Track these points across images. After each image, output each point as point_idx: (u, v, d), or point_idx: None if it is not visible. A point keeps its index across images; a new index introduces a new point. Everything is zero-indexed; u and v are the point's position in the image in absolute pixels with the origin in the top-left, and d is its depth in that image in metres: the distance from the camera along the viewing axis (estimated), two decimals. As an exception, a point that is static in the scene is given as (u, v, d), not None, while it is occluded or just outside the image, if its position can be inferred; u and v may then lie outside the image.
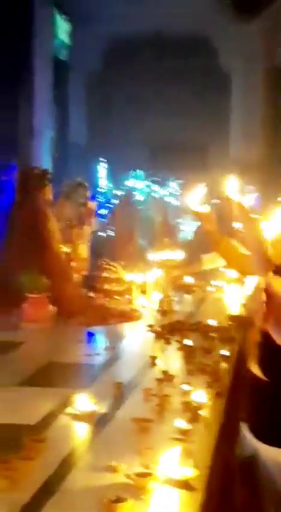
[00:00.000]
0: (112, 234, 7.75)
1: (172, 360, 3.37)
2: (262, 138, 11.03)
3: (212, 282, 6.00)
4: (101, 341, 4.04)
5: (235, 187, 3.15)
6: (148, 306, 4.98)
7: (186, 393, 2.60)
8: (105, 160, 11.20)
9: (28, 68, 9.95)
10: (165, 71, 10.93)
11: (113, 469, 1.87)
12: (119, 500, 1.66)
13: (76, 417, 2.36)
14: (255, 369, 2.25)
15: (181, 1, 9.94)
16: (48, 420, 2.37)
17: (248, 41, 10.86)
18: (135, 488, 1.74)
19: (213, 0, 9.11)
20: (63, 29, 11.69)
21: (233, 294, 5.54)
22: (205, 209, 3.78)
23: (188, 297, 5.57)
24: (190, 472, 1.83)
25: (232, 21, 9.44)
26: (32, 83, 10.12)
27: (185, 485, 1.77)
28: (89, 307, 4.63)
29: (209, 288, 5.89)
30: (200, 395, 2.53)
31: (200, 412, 2.38)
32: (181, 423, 2.23)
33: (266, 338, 2.18)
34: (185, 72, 10.93)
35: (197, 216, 3.84)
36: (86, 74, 12.10)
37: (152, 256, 5.72)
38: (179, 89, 10.96)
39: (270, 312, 1.15)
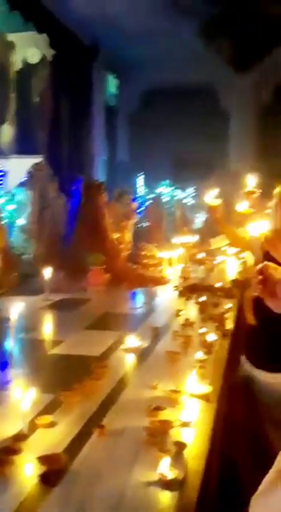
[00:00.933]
0: (147, 225, 7.67)
1: (191, 311, 3.30)
2: (253, 156, 10.83)
3: (218, 257, 5.92)
4: (141, 298, 3.99)
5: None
6: (173, 274, 4.94)
7: (202, 334, 2.56)
8: (142, 174, 11.11)
9: (89, 112, 9.95)
10: (183, 109, 10.74)
11: (153, 387, 1.87)
12: (159, 408, 1.66)
13: (127, 351, 2.36)
14: (250, 318, 2.21)
15: (193, 59, 9.72)
16: (108, 353, 2.36)
17: (243, 87, 10.64)
18: (170, 400, 1.74)
19: (218, 58, 8.87)
20: (112, 83, 11.62)
21: (232, 265, 5.46)
22: (216, 203, 3.71)
23: (201, 267, 5.50)
24: (207, 388, 1.81)
25: (232, 74, 9.22)
26: (92, 123, 10.10)
27: (204, 398, 1.76)
28: (132, 275, 4.61)
29: (215, 261, 5.82)
30: (212, 336, 2.51)
31: (212, 347, 2.37)
32: (199, 355, 2.21)
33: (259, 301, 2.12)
34: (197, 109, 10.72)
35: (211, 208, 3.73)
36: (128, 114, 12.03)
37: (175, 239, 5.66)
38: (192, 121, 10.76)
39: (266, 289, 1.11)
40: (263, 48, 8.53)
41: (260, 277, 1.12)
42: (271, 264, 1.13)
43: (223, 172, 10.22)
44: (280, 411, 2.06)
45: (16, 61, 8.18)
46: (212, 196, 3.70)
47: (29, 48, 8.23)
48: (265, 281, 1.11)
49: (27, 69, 8.35)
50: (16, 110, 8.08)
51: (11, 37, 8.07)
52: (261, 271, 1.12)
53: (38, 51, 8.26)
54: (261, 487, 1.13)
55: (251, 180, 3.14)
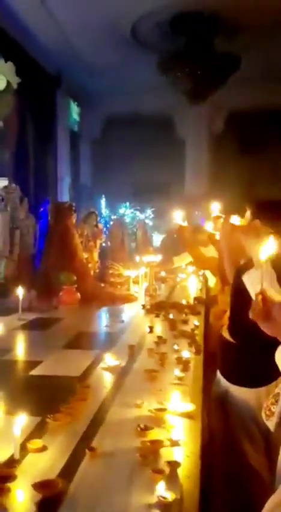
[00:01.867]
0: (109, 245, 7.62)
1: (161, 328, 3.25)
2: (205, 180, 11.05)
3: (179, 275, 5.96)
4: (112, 316, 3.88)
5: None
6: (139, 291, 4.91)
7: (177, 351, 2.54)
8: (103, 196, 11.11)
9: (54, 137, 9.92)
10: (142, 136, 10.84)
11: (138, 406, 1.82)
12: (147, 428, 1.61)
13: (107, 369, 2.29)
14: (226, 334, 2.20)
15: (150, 89, 9.87)
16: (88, 372, 2.28)
17: (197, 116, 10.88)
18: (156, 419, 1.69)
19: (174, 90, 9.03)
20: (75, 111, 11.62)
21: (193, 282, 5.50)
22: (184, 224, 3.75)
23: (164, 285, 5.50)
24: (190, 406, 1.78)
25: (187, 104, 9.41)
26: (56, 147, 10.07)
27: (189, 416, 1.72)
28: (102, 294, 4.56)
29: (177, 279, 5.85)
30: (186, 353, 2.48)
31: (188, 364, 2.33)
32: (177, 372, 2.18)
33: (235, 320, 2.11)
34: (155, 137, 10.86)
35: (180, 228, 3.75)
36: (90, 140, 12.04)
37: (139, 258, 5.65)
38: (151, 148, 10.88)
39: (263, 312, 1.10)
40: (216, 81, 8.75)
41: (259, 298, 1.11)
42: (267, 288, 1.13)
43: (178, 195, 10.38)
44: (255, 426, 2.05)
45: (-18, 88, 8.04)
46: (180, 217, 3.73)
47: (-5, 76, 8.11)
48: (265, 302, 1.11)
49: (-7, 96, 8.22)
50: (-18, 134, 7.93)
51: (-22, 64, 7.93)
52: (261, 293, 1.12)
53: (3, 78, 8.17)
54: (264, 510, 1.09)
55: (216, 206, 3.18)
